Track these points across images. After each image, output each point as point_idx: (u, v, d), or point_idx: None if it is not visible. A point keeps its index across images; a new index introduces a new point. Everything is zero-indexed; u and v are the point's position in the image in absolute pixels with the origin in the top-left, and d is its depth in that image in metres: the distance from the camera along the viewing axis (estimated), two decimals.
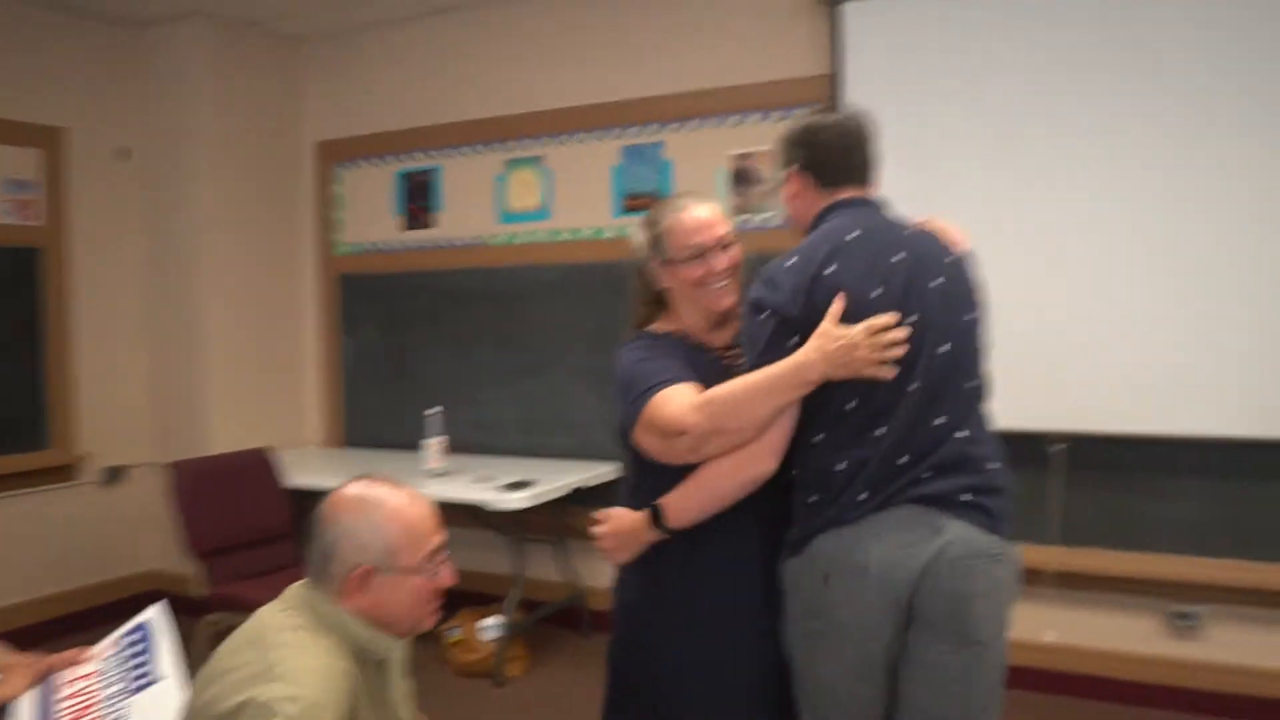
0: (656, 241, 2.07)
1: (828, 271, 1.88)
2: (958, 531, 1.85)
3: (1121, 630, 3.72)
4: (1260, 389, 3.38)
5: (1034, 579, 3.67)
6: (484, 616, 4.05)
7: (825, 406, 1.88)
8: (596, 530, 2.06)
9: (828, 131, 2.03)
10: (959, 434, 1.89)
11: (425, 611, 1.77)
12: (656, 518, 1.96)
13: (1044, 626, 3.77)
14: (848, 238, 1.93)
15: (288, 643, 1.63)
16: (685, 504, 1.94)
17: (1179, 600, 3.62)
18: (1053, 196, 3.65)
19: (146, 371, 5.15)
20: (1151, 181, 3.51)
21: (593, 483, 4.32)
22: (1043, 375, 3.60)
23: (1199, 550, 3.57)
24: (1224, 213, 3.42)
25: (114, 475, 5.05)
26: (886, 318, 1.82)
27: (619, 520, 2.02)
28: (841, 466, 1.88)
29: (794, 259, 1.93)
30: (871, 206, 2.04)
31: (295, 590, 1.75)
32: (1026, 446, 3.65)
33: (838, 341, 1.80)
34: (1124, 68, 3.53)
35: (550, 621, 4.49)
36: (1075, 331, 3.62)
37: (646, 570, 2.05)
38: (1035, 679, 3.77)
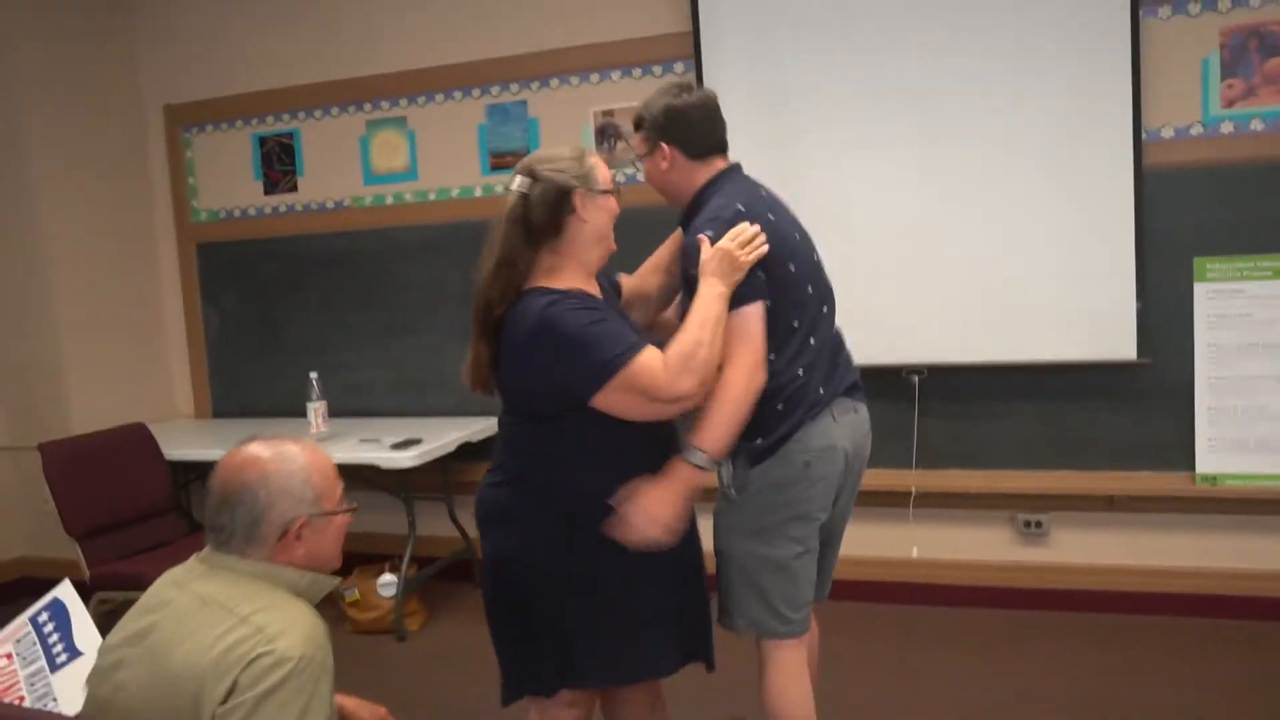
0: (589, 174, 2.17)
1: (771, 218, 2.27)
2: (862, 409, 2.43)
3: (978, 541, 4.08)
4: (1078, 321, 3.77)
5: (898, 500, 4.00)
6: (378, 575, 4.11)
7: (775, 327, 2.22)
8: (633, 513, 2.08)
9: (694, 110, 2.35)
10: (842, 338, 2.47)
11: (340, 547, 1.88)
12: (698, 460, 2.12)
13: (909, 543, 4.09)
14: (763, 194, 2.34)
15: (269, 605, 1.66)
16: (722, 435, 2.14)
17: (1027, 510, 4.00)
18: (904, 148, 3.89)
19: None
20: (983, 147, 3.80)
21: (476, 438, 4.41)
22: (899, 315, 3.90)
23: (1041, 464, 3.95)
24: (1044, 176, 3.75)
25: None
26: (741, 225, 2.18)
27: (658, 492, 2.09)
28: (800, 372, 2.26)
29: (739, 208, 2.23)
30: (742, 171, 2.41)
31: (218, 559, 1.75)
32: (887, 379, 3.95)
33: (719, 259, 2.13)
34: (966, 31, 3.80)
35: (443, 576, 4.57)
36: (925, 276, 3.90)
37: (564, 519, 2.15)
38: (901, 592, 4.11)
